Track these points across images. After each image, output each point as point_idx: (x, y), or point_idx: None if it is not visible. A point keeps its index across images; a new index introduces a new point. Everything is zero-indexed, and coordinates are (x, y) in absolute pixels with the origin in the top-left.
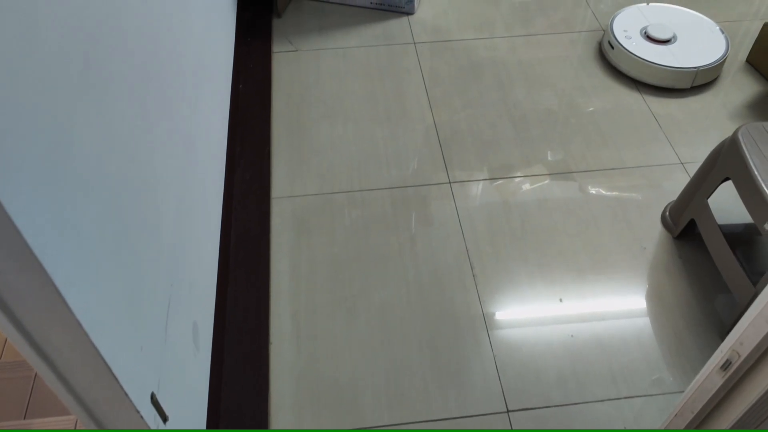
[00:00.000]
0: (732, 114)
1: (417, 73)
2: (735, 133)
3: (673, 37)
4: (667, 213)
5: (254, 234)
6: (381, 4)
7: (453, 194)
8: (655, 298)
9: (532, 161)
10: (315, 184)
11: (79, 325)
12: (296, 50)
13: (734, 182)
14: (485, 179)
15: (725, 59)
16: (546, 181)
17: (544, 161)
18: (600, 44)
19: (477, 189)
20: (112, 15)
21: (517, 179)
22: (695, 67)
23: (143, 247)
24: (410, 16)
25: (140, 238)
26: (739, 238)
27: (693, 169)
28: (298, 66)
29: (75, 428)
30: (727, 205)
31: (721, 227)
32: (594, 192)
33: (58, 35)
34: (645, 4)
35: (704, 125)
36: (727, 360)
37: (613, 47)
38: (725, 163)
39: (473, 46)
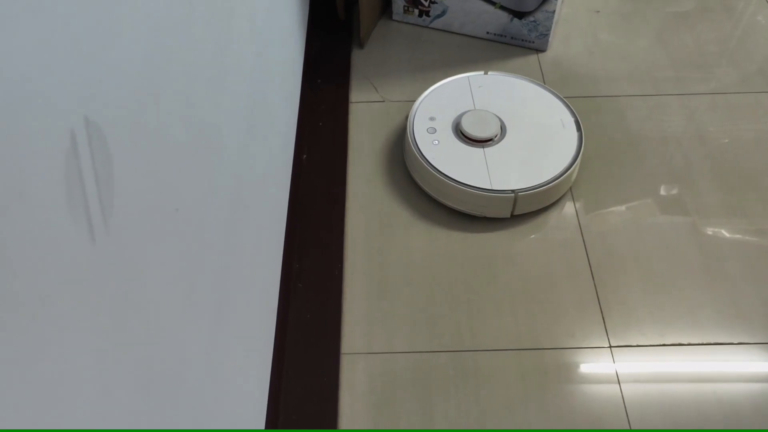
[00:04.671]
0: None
1: None
2: None
3: (499, 133)
4: None
5: (312, 420)
6: (501, 36)
7: (616, 368)
8: None
9: (724, 315)
10: (405, 333)
11: None
12: (383, 101)
13: None
14: (662, 345)
15: (571, 172)
16: (755, 355)
17: (751, 316)
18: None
19: (650, 360)
20: None
21: (708, 347)
22: (512, 191)
23: None
24: (540, 54)
25: None
26: None
27: None
28: (383, 124)
29: None
30: None
31: None
32: None
33: None
34: (483, 73)
35: None
36: None
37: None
38: None
39: (630, 106)
